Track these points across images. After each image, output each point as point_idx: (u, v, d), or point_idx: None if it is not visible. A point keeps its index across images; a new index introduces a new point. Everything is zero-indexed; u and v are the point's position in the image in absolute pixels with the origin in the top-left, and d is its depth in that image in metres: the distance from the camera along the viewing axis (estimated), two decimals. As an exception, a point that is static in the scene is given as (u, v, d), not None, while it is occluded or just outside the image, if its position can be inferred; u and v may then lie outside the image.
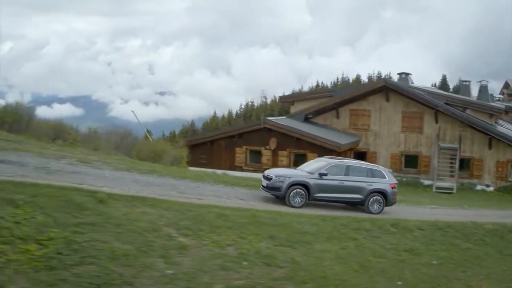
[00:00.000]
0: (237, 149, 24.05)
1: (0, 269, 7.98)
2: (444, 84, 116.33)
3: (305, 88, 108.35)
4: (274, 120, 24.33)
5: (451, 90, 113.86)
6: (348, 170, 15.12)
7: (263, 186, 15.08)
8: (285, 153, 23.31)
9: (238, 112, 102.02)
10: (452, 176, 24.82)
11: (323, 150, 22.19)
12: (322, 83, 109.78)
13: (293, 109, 28.12)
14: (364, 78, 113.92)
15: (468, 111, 26.14)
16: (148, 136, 48.53)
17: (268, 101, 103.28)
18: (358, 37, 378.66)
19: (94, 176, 13.54)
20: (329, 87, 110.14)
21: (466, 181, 25.37)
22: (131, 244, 9.63)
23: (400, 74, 30.17)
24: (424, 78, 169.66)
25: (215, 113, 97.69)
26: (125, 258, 9.17)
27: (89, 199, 10.93)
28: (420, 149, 26.21)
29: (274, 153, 23.45)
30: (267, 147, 23.47)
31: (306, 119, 26.24)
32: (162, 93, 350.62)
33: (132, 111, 59.73)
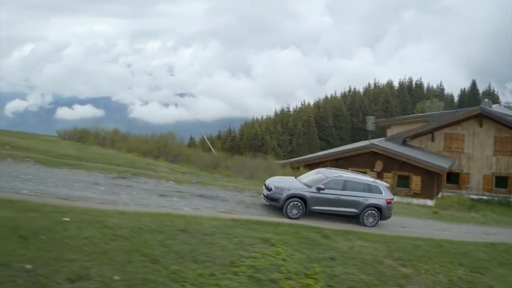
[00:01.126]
0: (343, 171, 25.89)
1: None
2: (473, 89, 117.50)
3: (338, 94, 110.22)
4: (380, 145, 26.23)
5: (480, 95, 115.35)
6: (345, 185, 15.37)
7: (264, 196, 15.43)
8: (389, 175, 25.25)
9: (272, 117, 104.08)
10: (542, 196, 26.67)
11: (426, 173, 24.03)
12: (354, 88, 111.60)
13: (390, 132, 30.12)
14: (396, 83, 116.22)
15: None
16: (212, 149, 49.80)
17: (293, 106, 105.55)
18: (378, 38, 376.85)
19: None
20: (361, 92, 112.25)
21: (553, 200, 27.18)
22: (371, 275, 11.58)
23: (482, 98, 31.92)
24: (446, 80, 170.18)
25: (254, 118, 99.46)
26: (374, 288, 11.18)
27: (317, 235, 12.91)
28: (511, 171, 28.08)
29: (379, 174, 25.35)
30: (374, 169, 25.37)
31: (404, 142, 28.25)
32: (181, 95, 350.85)
33: (196, 123, 61.57)
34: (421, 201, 23.27)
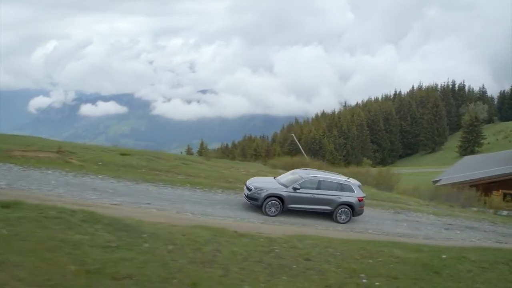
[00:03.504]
0: (494, 192, 31.41)
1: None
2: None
3: (380, 94, 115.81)
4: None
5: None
6: (319, 185, 16.32)
7: (245, 195, 16.43)
8: (536, 196, 30.79)
9: (312, 118, 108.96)
10: None
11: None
12: (400, 91, 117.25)
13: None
14: (439, 86, 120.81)
15: None
16: (306, 157, 52.96)
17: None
18: (401, 35, 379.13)
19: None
20: (404, 94, 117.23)
21: None
22: None
23: None
24: (471, 77, 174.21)
25: (302, 120, 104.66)
26: None
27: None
28: None
29: (527, 196, 30.86)
30: (523, 190, 30.88)
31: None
32: (203, 91, 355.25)
33: (292, 135, 65.96)
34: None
